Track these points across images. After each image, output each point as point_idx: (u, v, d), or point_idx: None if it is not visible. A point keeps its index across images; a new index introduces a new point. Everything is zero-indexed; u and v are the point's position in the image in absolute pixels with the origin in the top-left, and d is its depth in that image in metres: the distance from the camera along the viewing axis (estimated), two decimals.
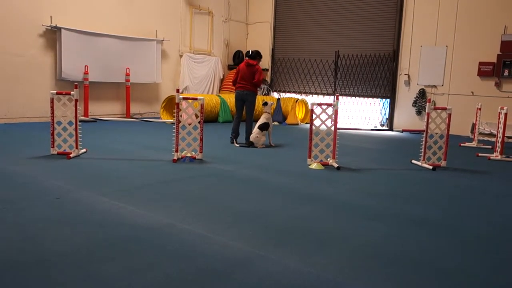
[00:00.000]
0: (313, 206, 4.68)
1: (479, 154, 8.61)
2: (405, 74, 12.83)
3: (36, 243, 3.37)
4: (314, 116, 6.83)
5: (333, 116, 6.82)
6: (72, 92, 6.71)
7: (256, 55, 8.78)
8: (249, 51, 8.89)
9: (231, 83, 14.01)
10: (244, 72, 8.66)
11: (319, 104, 6.86)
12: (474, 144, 9.92)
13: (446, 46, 12.06)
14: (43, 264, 3.01)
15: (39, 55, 10.65)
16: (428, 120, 7.09)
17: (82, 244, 3.38)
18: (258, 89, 8.71)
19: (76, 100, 6.74)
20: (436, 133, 7.18)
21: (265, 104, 8.64)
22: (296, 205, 4.69)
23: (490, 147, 9.57)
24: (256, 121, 8.83)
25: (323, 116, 6.88)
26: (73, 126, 6.73)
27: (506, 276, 3.14)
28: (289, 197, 4.99)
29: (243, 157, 7.32)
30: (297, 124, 13.22)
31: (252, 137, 8.39)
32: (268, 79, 15.53)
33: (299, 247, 3.51)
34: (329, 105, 6.91)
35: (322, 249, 3.49)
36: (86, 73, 11.19)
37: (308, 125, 6.91)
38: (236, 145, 8.42)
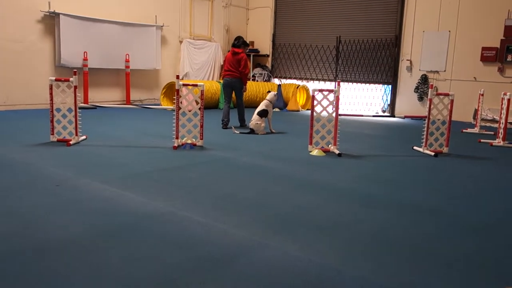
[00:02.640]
0: (314, 193, 4.65)
1: (481, 140, 8.56)
2: (407, 60, 12.71)
3: (36, 231, 3.35)
4: (315, 102, 6.76)
5: (334, 102, 6.76)
6: (71, 79, 6.65)
7: (242, 44, 9.19)
8: (235, 40, 9.24)
9: None
10: (231, 60, 9.04)
11: (320, 90, 6.80)
12: (476, 130, 9.86)
13: (449, 31, 11.92)
14: (42, 252, 2.98)
15: (38, 41, 10.55)
16: (430, 106, 7.02)
17: (82, 232, 3.35)
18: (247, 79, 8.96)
19: (75, 87, 6.68)
20: (438, 119, 7.12)
21: (269, 91, 8.74)
22: (297, 192, 4.66)
23: (492, 133, 9.51)
24: (256, 108, 8.81)
25: (324, 103, 6.82)
26: (73, 113, 6.68)
27: (510, 264, 3.11)
28: (290, 184, 4.96)
29: (243, 144, 7.28)
30: (298, 111, 13.15)
31: (252, 124, 8.34)
32: (268, 65, 15.42)
33: (300, 235, 3.48)
34: (330, 91, 6.84)
35: (323, 237, 3.47)
36: (85, 59, 11.10)
37: (309, 112, 6.85)
38: (236, 132, 8.38)
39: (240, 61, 8.95)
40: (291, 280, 2.73)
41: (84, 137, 7.02)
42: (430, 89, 7.06)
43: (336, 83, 6.86)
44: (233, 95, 9.22)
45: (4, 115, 9.28)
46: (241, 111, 9.22)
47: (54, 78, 6.70)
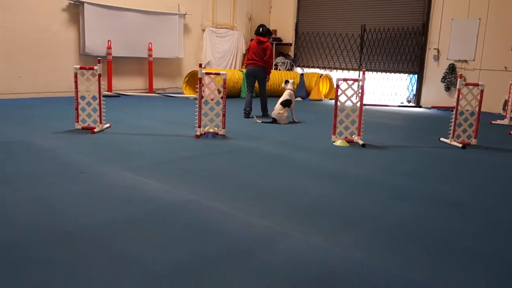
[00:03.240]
0: (337, 184, 4.57)
1: (511, 132, 8.30)
2: (434, 49, 12.40)
3: (61, 218, 3.37)
4: (339, 91, 6.64)
5: (359, 92, 6.63)
6: (95, 67, 6.68)
7: (267, 33, 9.06)
8: (259, 28, 9.06)
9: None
10: (255, 49, 8.87)
11: (345, 80, 6.67)
12: (506, 121, 9.57)
13: (479, 18, 11.56)
14: (68, 239, 3.00)
15: (63, 30, 10.65)
16: (458, 96, 6.83)
17: (107, 219, 3.36)
18: (270, 69, 8.88)
19: (100, 75, 6.71)
20: (467, 110, 6.92)
21: (287, 82, 8.64)
22: (321, 183, 4.59)
23: None
24: (278, 97, 8.74)
25: (349, 92, 6.70)
26: (97, 100, 6.73)
27: None
28: (313, 175, 4.89)
29: (266, 134, 7.22)
30: (320, 100, 13.00)
31: (274, 114, 8.27)
32: (291, 53, 15.26)
33: (323, 226, 3.42)
34: (355, 80, 6.71)
35: (347, 228, 3.40)
36: (109, 47, 11.16)
37: (332, 101, 6.74)
38: (258, 121, 8.32)
39: (265, 50, 8.82)
40: (315, 272, 2.68)
41: (108, 125, 7.07)
42: (459, 79, 6.86)
43: (361, 72, 6.72)
44: (256, 84, 9.13)
45: (30, 103, 9.42)
46: (264, 100, 9.12)
47: (78, 66, 6.75)
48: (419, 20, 12.58)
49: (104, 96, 6.99)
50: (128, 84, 12.09)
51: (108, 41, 11.13)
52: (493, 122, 9.64)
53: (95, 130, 6.60)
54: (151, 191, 4.07)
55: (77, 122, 6.79)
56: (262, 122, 8.30)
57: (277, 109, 8.26)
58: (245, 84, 11.50)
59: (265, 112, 9.10)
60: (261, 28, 9.01)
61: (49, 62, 10.46)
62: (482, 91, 6.81)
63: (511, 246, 3.21)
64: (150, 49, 12.12)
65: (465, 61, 11.94)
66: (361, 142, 6.58)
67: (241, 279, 2.56)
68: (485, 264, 2.90)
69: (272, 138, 6.88)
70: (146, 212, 3.57)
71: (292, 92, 8.45)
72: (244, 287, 2.48)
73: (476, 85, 6.89)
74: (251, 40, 15.09)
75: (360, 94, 6.63)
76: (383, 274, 2.70)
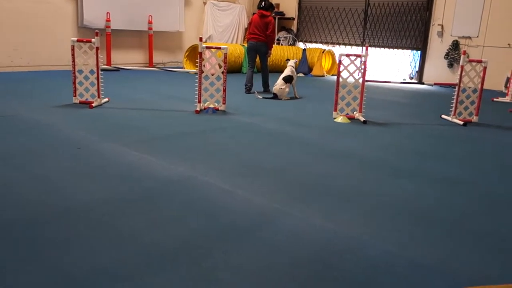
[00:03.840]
0: (338, 162, 4.54)
1: None
2: (439, 25, 12.20)
3: (60, 195, 3.34)
4: (341, 67, 6.54)
5: (361, 68, 6.54)
6: (93, 40, 6.57)
7: (269, 7, 8.88)
8: (261, 2, 8.88)
9: None
10: (258, 23, 8.67)
11: (347, 55, 6.57)
12: (507, 99, 9.49)
13: None
14: (67, 216, 2.98)
15: (61, 2, 10.45)
16: (461, 73, 6.73)
17: (105, 197, 3.34)
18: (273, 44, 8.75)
19: (97, 48, 6.60)
20: (469, 87, 6.84)
21: (288, 60, 8.58)
22: (321, 160, 4.56)
23: None
24: (280, 73, 8.64)
25: (351, 68, 6.60)
26: (95, 74, 6.64)
27: None
28: (314, 152, 4.85)
29: (267, 110, 7.16)
30: (322, 76, 12.87)
31: (275, 89, 8.19)
32: (294, 28, 15.03)
33: (324, 204, 3.40)
34: (357, 56, 6.61)
35: (347, 206, 3.38)
36: (108, 20, 10.99)
37: (334, 77, 6.65)
38: (259, 97, 8.24)
39: (268, 24, 8.65)
40: (316, 250, 2.66)
41: (106, 99, 7.00)
42: (462, 56, 6.75)
43: (364, 47, 6.61)
44: (257, 59, 9.01)
45: (28, 76, 9.32)
46: (265, 76, 9.02)
47: (75, 39, 6.63)
48: None
49: (103, 70, 6.90)
50: (128, 58, 11.94)
51: (107, 13, 10.95)
52: (494, 99, 9.55)
53: (93, 104, 6.53)
54: (150, 168, 4.03)
55: (75, 96, 6.71)
56: (263, 97, 8.22)
57: (278, 84, 8.17)
58: (246, 59, 11.38)
59: (266, 88, 9.01)
60: (263, 2, 8.83)
61: (46, 34, 10.30)
62: (485, 68, 6.71)
63: (509, 224, 3.20)
64: (150, 22, 11.93)
65: (469, 37, 11.75)
66: (362, 119, 6.52)
67: (241, 258, 2.54)
68: (486, 243, 2.88)
69: (273, 114, 6.82)
70: (144, 189, 3.54)
71: (294, 68, 8.37)
72: (244, 266, 2.46)
73: (480, 62, 6.79)
74: (253, 14, 14.89)
75: (362, 70, 6.53)
76: (383, 252, 2.68)
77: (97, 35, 6.60)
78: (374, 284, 2.36)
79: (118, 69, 9.23)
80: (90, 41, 6.58)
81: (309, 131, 5.79)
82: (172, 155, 4.44)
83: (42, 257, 2.45)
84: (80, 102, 6.69)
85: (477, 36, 11.61)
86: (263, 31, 8.66)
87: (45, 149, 4.42)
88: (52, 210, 3.06)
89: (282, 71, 8.54)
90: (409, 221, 3.17)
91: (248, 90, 8.75)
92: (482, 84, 6.77)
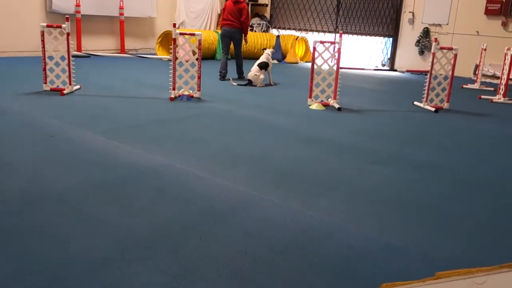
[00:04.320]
0: (314, 148, 4.58)
1: (482, 97, 8.45)
2: (410, 12, 12.35)
3: (30, 183, 3.27)
4: (316, 54, 6.57)
5: (335, 55, 6.58)
6: (63, 25, 6.40)
7: None
8: None
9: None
10: (231, 9, 8.63)
11: (322, 42, 6.60)
12: (476, 86, 9.72)
13: None
14: (37, 204, 2.92)
15: None
16: (433, 60, 6.86)
17: (78, 185, 3.28)
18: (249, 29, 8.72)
19: (68, 34, 6.44)
20: (441, 74, 6.97)
21: (264, 49, 8.61)
22: (297, 147, 4.59)
23: (492, 89, 9.38)
24: (254, 59, 8.62)
25: (325, 55, 6.64)
26: (66, 61, 6.48)
27: (507, 221, 3.09)
28: (290, 138, 4.88)
29: (242, 96, 7.14)
30: (296, 63, 12.90)
31: (250, 75, 8.17)
32: (267, 15, 14.97)
33: (301, 190, 3.44)
34: (332, 43, 6.64)
35: (324, 192, 3.42)
36: (78, 5, 10.70)
37: (308, 64, 6.68)
38: (234, 83, 8.21)
39: (242, 10, 8.60)
40: (293, 236, 2.69)
41: (78, 86, 6.85)
42: (433, 43, 6.87)
43: (338, 34, 6.65)
44: (232, 46, 8.95)
45: None
46: (239, 62, 8.98)
47: (45, 24, 6.44)
48: None
49: (74, 56, 6.74)
50: (99, 44, 11.68)
51: None
52: (464, 86, 9.78)
53: (64, 92, 6.38)
54: (124, 156, 3.99)
55: (45, 83, 6.55)
56: (238, 84, 8.20)
57: (253, 70, 8.16)
58: (220, 45, 11.30)
59: (241, 75, 8.98)
60: None
61: (14, 19, 9.96)
62: (455, 55, 6.85)
63: (485, 209, 3.30)
64: (121, 8, 11.68)
65: (439, 25, 11.95)
66: (337, 105, 6.59)
67: (218, 245, 2.55)
68: (460, 227, 2.97)
69: (248, 101, 6.81)
70: (119, 177, 3.50)
71: (270, 56, 8.37)
72: (221, 252, 2.47)
73: (450, 49, 6.92)
74: (227, 0, 14.77)
75: (336, 57, 6.58)
76: (360, 237, 2.74)
77: (67, 21, 6.43)
78: (353, 268, 2.41)
79: (89, 56, 9.02)
80: (60, 27, 6.41)
81: (284, 118, 5.82)
82: (147, 143, 4.40)
83: (14, 246, 2.40)
84: (51, 90, 6.53)
85: (447, 24, 11.82)
86: (237, 17, 8.61)
87: (16, 137, 4.31)
88: (24, 197, 3.00)
89: (256, 58, 8.53)
90: (386, 206, 3.24)
91: (223, 77, 8.70)
92: (453, 71, 6.91)
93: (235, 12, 8.61)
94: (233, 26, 8.65)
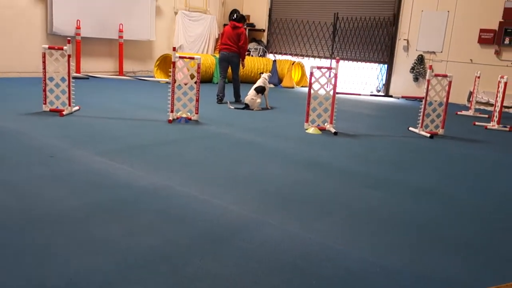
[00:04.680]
0: (310, 172, 4.63)
1: (476, 123, 8.57)
2: (404, 39, 12.60)
3: (31, 203, 3.29)
4: (313, 79, 6.68)
5: (332, 80, 6.69)
6: (64, 47, 6.49)
7: (241, 18, 9.09)
8: (233, 15, 9.09)
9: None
10: (230, 34, 8.83)
11: (319, 67, 6.72)
12: (471, 112, 9.86)
13: (448, 11, 11.80)
14: (38, 225, 2.94)
15: (29, 8, 10.26)
16: (428, 87, 6.98)
17: (78, 206, 3.30)
18: (246, 54, 8.92)
19: (69, 56, 6.52)
20: (435, 101, 7.10)
21: (261, 73, 8.77)
22: (294, 170, 4.64)
23: (486, 116, 9.53)
24: (251, 83, 8.73)
25: (322, 80, 6.75)
26: (66, 82, 6.55)
27: (501, 245, 3.13)
28: (287, 162, 4.93)
29: (239, 120, 7.21)
30: (292, 87, 13.04)
31: (247, 99, 8.27)
32: (264, 40, 15.20)
33: (298, 213, 3.47)
34: (328, 68, 6.76)
35: (321, 215, 3.46)
36: (78, 28, 10.85)
37: (304, 89, 6.79)
38: (231, 107, 8.29)
39: (240, 35, 8.77)
40: (292, 258, 2.72)
41: (77, 107, 6.90)
42: (428, 70, 7.01)
43: (335, 60, 6.78)
44: (229, 70, 9.08)
45: None
46: (237, 86, 9.10)
47: (47, 46, 6.54)
48: (390, 11, 12.73)
49: (73, 78, 6.81)
50: (98, 66, 11.80)
51: (77, 21, 10.81)
52: (458, 113, 9.91)
53: (63, 112, 6.43)
54: (123, 177, 4.01)
55: (45, 104, 6.60)
56: (235, 108, 8.28)
57: (250, 94, 8.26)
58: (218, 69, 11.44)
59: (237, 98, 9.08)
60: (235, 14, 8.97)
61: (14, 41, 10.08)
62: (450, 82, 6.98)
63: (479, 232, 3.34)
64: (121, 31, 11.84)
65: (433, 52, 12.18)
66: (333, 130, 6.66)
67: (217, 266, 2.57)
68: (450, 247, 3.00)
69: (245, 124, 6.88)
70: (119, 198, 3.52)
71: (266, 80, 8.50)
72: (220, 273, 2.49)
73: (445, 76, 7.06)
74: (224, 25, 15.00)
75: (333, 83, 6.68)
76: (357, 259, 2.76)
77: (69, 43, 6.53)
78: None
79: (87, 77, 9.10)
80: (61, 49, 6.50)
81: (281, 142, 5.88)
82: (145, 164, 4.43)
83: (14, 266, 2.41)
84: (51, 110, 6.57)
85: (441, 51, 12.05)
86: (235, 42, 8.78)
87: (16, 157, 4.33)
88: (24, 217, 3.01)
89: (252, 82, 8.65)
90: (382, 229, 3.28)
91: (220, 100, 8.79)
92: (448, 98, 7.04)
93: (233, 37, 8.78)
94: (231, 51, 8.80)
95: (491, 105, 10.10)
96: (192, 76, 6.66)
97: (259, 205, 3.58)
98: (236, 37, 8.77)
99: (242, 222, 3.21)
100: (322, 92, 6.84)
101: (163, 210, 3.33)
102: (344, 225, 3.31)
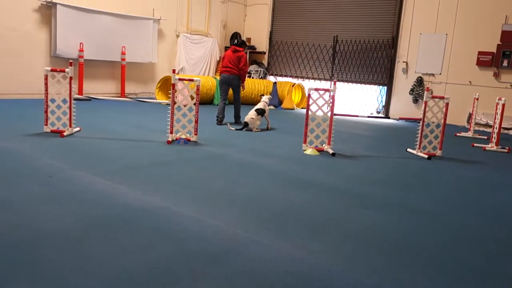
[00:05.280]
0: (307, 192, 4.65)
1: (475, 144, 8.60)
2: (403, 62, 12.75)
3: (28, 221, 3.32)
4: (310, 101, 6.75)
5: (330, 101, 6.76)
6: (66, 70, 6.60)
7: (242, 43, 9.37)
8: (234, 39, 9.13)
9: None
10: (231, 57, 9.08)
11: (316, 89, 6.80)
12: (470, 134, 9.91)
13: (446, 34, 11.97)
14: (35, 243, 2.97)
15: (34, 31, 10.47)
16: (425, 108, 7.05)
17: (75, 224, 3.34)
18: (246, 76, 9.20)
19: (71, 78, 6.63)
20: (433, 122, 7.15)
21: (262, 95, 9.01)
22: (291, 191, 4.66)
23: (486, 137, 9.57)
24: (251, 105, 8.83)
25: (320, 102, 6.82)
26: (67, 104, 6.64)
27: (497, 266, 3.14)
28: (284, 182, 4.96)
29: (238, 141, 7.27)
30: (292, 109, 13.15)
31: (247, 118, 8.35)
32: (265, 62, 15.39)
33: (292, 233, 3.49)
34: (326, 90, 6.84)
35: (315, 236, 3.47)
36: (81, 50, 11.03)
37: (304, 110, 6.84)
38: (232, 128, 8.37)
39: (240, 58, 8.99)
40: (283, 277, 2.73)
41: (78, 128, 6.98)
42: (426, 92, 7.08)
43: (332, 82, 6.86)
44: (230, 91, 9.21)
45: None
46: (237, 107, 9.23)
47: (49, 68, 6.65)
48: (389, 33, 12.91)
49: (75, 99, 6.91)
50: (100, 88, 11.95)
51: (80, 43, 11.00)
52: (457, 134, 9.96)
53: (64, 133, 6.51)
54: (121, 197, 4.05)
55: (46, 125, 6.68)
56: (235, 129, 8.35)
57: (250, 114, 8.35)
58: (218, 91, 11.58)
59: (237, 120, 9.17)
60: (236, 40, 9.16)
61: (18, 63, 10.25)
62: (447, 104, 7.05)
63: (469, 252, 3.35)
64: (123, 53, 12.03)
65: (432, 74, 12.30)
66: (331, 151, 6.70)
67: (210, 285, 2.59)
68: (446, 269, 3.01)
69: (243, 145, 6.93)
70: (115, 217, 3.55)
71: (267, 103, 8.67)
72: None
73: (442, 98, 7.13)
74: (226, 48, 15.22)
75: (331, 104, 6.76)
76: (349, 279, 2.77)
77: (71, 65, 6.64)
78: None
79: (89, 99, 9.22)
80: (63, 71, 6.61)
81: (279, 163, 5.92)
82: (143, 184, 4.47)
83: (6, 282, 2.43)
84: (52, 131, 6.65)
85: (440, 73, 12.17)
86: (235, 64, 8.96)
87: (16, 176, 4.38)
88: (21, 235, 3.04)
89: (253, 104, 8.77)
90: (375, 249, 3.29)
91: (220, 121, 8.88)
92: (445, 119, 7.09)
93: (234, 60, 8.97)
94: (232, 73, 8.96)
95: (490, 126, 10.15)
96: (192, 98, 6.74)
97: (254, 224, 3.60)
98: (237, 60, 8.96)
99: (235, 242, 3.23)
100: (320, 113, 6.91)
101: (158, 229, 3.35)
102: (337, 245, 3.32)
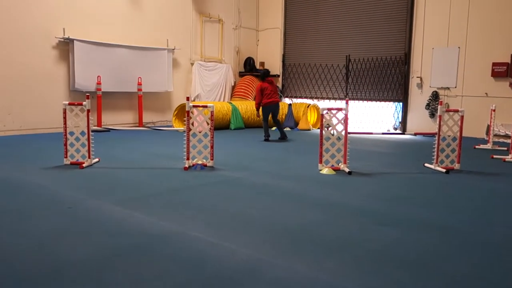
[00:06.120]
0: (323, 212, 4.65)
1: (494, 156, 8.48)
2: (417, 77, 12.72)
3: (48, 252, 3.40)
4: (324, 121, 6.79)
5: (343, 120, 6.79)
6: (84, 103, 6.80)
7: (268, 73, 10.72)
8: (264, 72, 10.48)
9: (242, 91, 14.27)
10: (271, 89, 10.27)
11: (329, 109, 6.84)
12: (489, 146, 9.78)
13: (459, 47, 11.94)
14: (55, 274, 3.03)
15: (53, 67, 10.82)
16: (440, 122, 7.01)
17: (94, 254, 3.40)
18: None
19: (88, 110, 6.81)
20: (449, 136, 7.10)
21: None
22: (307, 211, 4.67)
23: (505, 148, 9.43)
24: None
25: (334, 121, 6.86)
26: (86, 136, 6.81)
27: None
28: (300, 203, 4.97)
29: (254, 164, 7.32)
30: (309, 130, 13.18)
31: None
32: (279, 85, 15.53)
33: (308, 253, 3.49)
34: (339, 109, 6.88)
35: (332, 255, 3.47)
36: (99, 83, 11.33)
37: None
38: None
39: (275, 86, 10.51)
40: None
41: (97, 159, 7.13)
42: (439, 106, 7.05)
43: (345, 101, 6.91)
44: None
45: (20, 139, 9.47)
46: (281, 128, 10.61)
47: (67, 102, 6.86)
48: (402, 50, 12.94)
49: (93, 131, 7.08)
50: (118, 119, 12.21)
51: (98, 76, 11.30)
52: (476, 146, 9.84)
53: (83, 165, 6.66)
54: (139, 224, 4.12)
55: (66, 157, 6.85)
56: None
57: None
58: (234, 116, 11.84)
59: (285, 137, 10.49)
60: (264, 73, 10.51)
61: (39, 98, 10.58)
62: (462, 117, 7.00)
63: (491, 268, 3.29)
64: (139, 84, 12.30)
65: (448, 88, 12.24)
66: (347, 170, 6.70)
67: None
68: (465, 286, 2.97)
69: (260, 168, 6.97)
70: (133, 245, 3.61)
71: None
72: None
73: (456, 111, 7.09)
74: (240, 73, 15.41)
75: (344, 123, 6.78)
76: None
77: (87, 98, 6.84)
78: None
79: (108, 130, 9.42)
80: (81, 104, 6.81)
81: (295, 183, 5.94)
82: (161, 211, 4.54)
83: None
84: (71, 163, 6.81)
85: (455, 87, 12.10)
86: (277, 93, 10.30)
87: (36, 208, 4.50)
88: (40, 267, 3.12)
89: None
90: (393, 267, 3.26)
91: (267, 139, 10.23)
92: (461, 132, 7.04)
93: (274, 90, 10.33)
94: (277, 101, 10.32)
95: (510, 137, 10.00)
96: (207, 124, 6.85)
97: (270, 246, 3.61)
98: (275, 89, 10.35)
99: (252, 265, 3.25)
100: (334, 132, 6.93)
101: (174, 255, 3.40)
102: (354, 265, 3.31)
